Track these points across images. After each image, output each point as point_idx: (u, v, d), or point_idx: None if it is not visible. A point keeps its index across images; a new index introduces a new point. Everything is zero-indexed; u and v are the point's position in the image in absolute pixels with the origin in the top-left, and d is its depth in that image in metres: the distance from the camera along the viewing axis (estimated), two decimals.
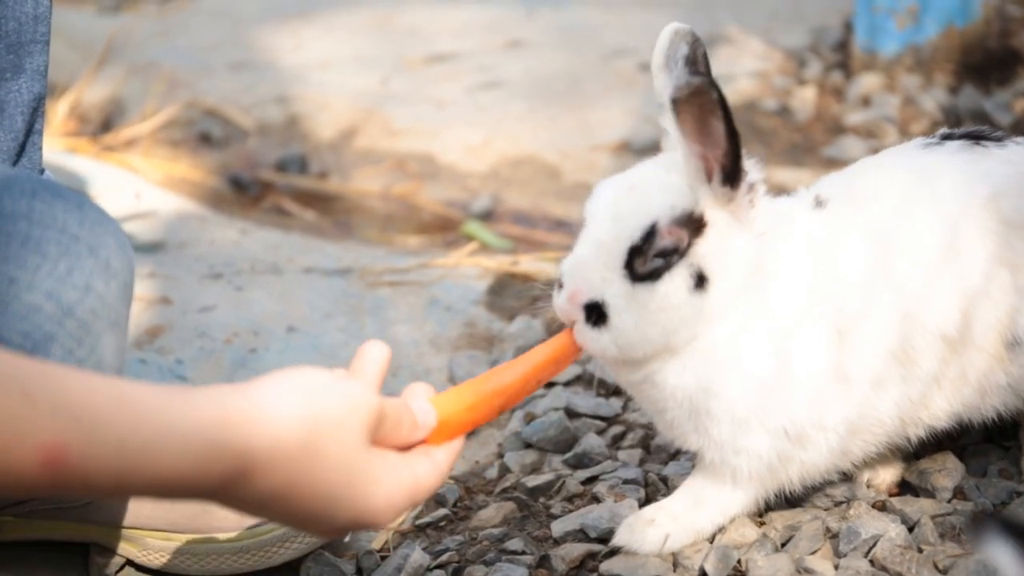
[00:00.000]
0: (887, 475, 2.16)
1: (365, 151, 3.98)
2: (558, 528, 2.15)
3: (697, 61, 1.89)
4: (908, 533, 2.03)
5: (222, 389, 1.40)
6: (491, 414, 1.74)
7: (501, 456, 2.43)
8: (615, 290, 1.84)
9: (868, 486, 2.14)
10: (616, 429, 2.44)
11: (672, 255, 1.83)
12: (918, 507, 2.09)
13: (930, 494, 2.13)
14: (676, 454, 2.34)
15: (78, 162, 3.74)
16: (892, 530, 2.02)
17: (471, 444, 2.47)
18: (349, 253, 3.25)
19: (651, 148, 3.66)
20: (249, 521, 2.13)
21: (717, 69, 4.11)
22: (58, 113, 4.23)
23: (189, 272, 3.12)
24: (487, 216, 3.67)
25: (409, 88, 4.22)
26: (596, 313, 1.85)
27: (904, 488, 2.17)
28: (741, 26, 4.33)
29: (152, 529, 2.14)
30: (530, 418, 2.47)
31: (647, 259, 1.83)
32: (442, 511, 2.26)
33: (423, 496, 1.58)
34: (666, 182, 1.86)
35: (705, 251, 1.85)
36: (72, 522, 2.15)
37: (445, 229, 3.65)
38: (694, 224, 1.84)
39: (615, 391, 2.57)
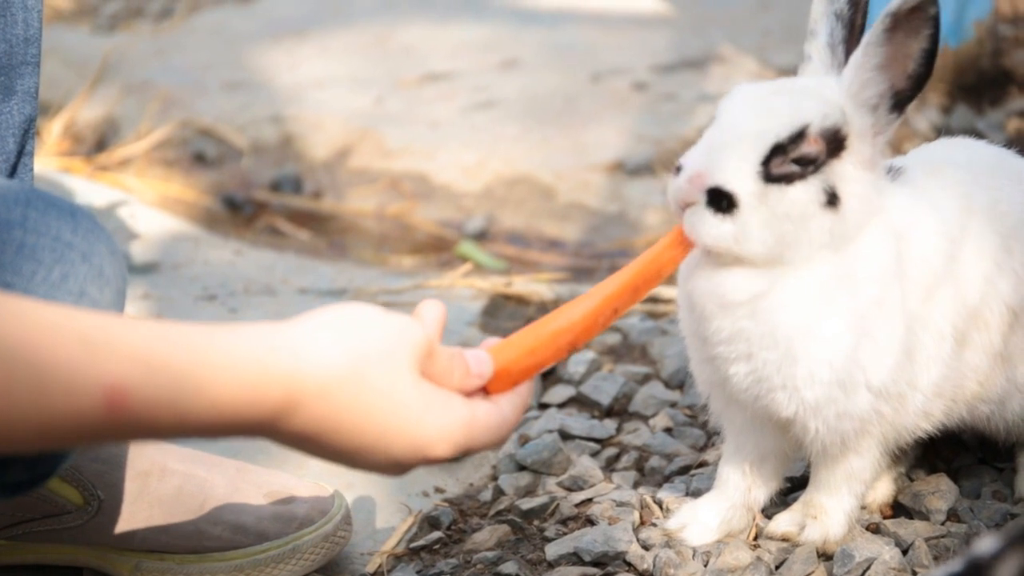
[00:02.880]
0: (880, 495, 2.17)
1: (359, 171, 3.98)
2: (552, 551, 2.14)
3: (859, 3, 1.90)
4: (902, 556, 2.03)
5: (266, 324, 1.42)
6: (559, 354, 1.64)
7: (495, 478, 2.42)
8: (748, 183, 1.80)
9: (862, 507, 2.14)
10: (610, 451, 2.44)
11: (809, 165, 1.81)
12: (912, 529, 2.09)
13: (924, 516, 2.13)
14: (670, 476, 2.34)
15: (72, 182, 3.74)
16: (886, 553, 2.02)
17: (465, 466, 2.47)
18: (343, 274, 3.25)
19: (645, 167, 3.66)
20: (242, 540, 2.12)
21: (711, 88, 4.13)
22: (52, 132, 4.23)
23: (183, 293, 3.12)
24: (481, 236, 3.67)
25: (404, 108, 4.22)
26: (725, 201, 1.79)
27: (898, 510, 2.18)
28: (735, 46, 4.33)
29: (146, 551, 2.14)
30: (524, 440, 2.47)
31: (786, 160, 1.81)
32: (436, 534, 2.26)
33: (483, 438, 1.52)
34: (820, 93, 1.85)
35: (840, 173, 1.84)
36: (65, 545, 2.15)
37: (439, 249, 3.65)
38: (837, 142, 1.83)
39: (608, 412, 2.57)
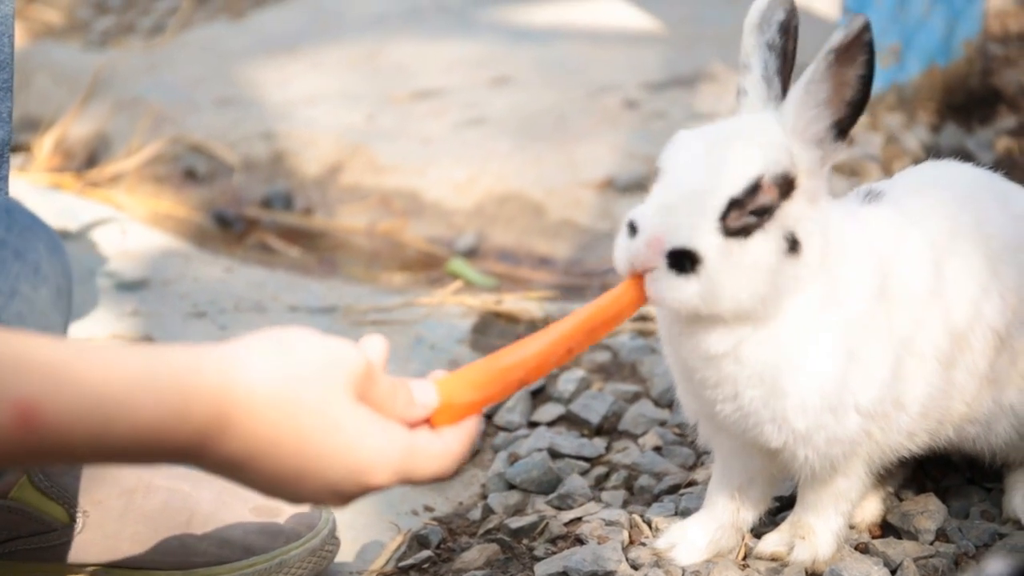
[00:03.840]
0: (868, 514, 2.17)
1: (350, 187, 3.98)
2: (541, 570, 2.14)
3: (790, 30, 1.90)
4: (891, 575, 2.03)
5: (194, 345, 1.37)
6: (507, 390, 1.59)
7: (484, 497, 2.42)
8: (709, 240, 1.77)
9: (850, 527, 2.14)
10: (600, 470, 2.43)
11: (764, 214, 1.80)
12: (900, 549, 2.09)
13: (912, 536, 2.13)
14: (660, 495, 2.34)
15: (62, 198, 3.74)
16: (875, 572, 2.02)
17: (454, 485, 2.46)
18: (334, 291, 3.25)
19: (636, 185, 3.67)
20: (229, 555, 2.12)
21: (702, 107, 4.13)
22: (43, 148, 4.23)
23: (173, 310, 3.12)
24: (472, 253, 3.68)
25: (395, 124, 4.22)
26: (687, 261, 1.77)
27: (886, 530, 2.18)
28: (725, 64, 4.34)
29: (132, 567, 2.13)
30: (513, 459, 2.46)
31: (743, 213, 1.79)
32: (425, 553, 2.26)
33: (424, 467, 1.47)
34: (765, 138, 1.83)
35: (794, 216, 1.83)
36: (50, 563, 2.14)
37: (430, 266, 3.65)
38: (787, 184, 1.82)
39: (598, 431, 2.56)
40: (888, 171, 3.58)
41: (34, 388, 1.24)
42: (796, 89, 1.83)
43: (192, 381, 1.32)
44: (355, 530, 2.33)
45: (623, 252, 1.80)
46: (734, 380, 1.90)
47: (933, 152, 3.67)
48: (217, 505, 2.15)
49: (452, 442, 1.51)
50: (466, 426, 1.54)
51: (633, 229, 1.79)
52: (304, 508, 2.18)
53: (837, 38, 1.77)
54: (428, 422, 1.52)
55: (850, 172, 3.67)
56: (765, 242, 1.81)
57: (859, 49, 1.78)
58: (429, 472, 1.49)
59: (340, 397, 1.40)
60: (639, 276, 1.79)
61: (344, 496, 1.44)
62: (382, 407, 1.46)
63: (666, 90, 4.22)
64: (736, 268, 1.79)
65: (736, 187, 1.79)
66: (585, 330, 1.70)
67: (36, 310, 1.87)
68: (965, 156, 3.52)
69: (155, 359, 1.32)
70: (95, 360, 1.29)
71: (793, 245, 1.83)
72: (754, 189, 1.80)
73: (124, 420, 1.28)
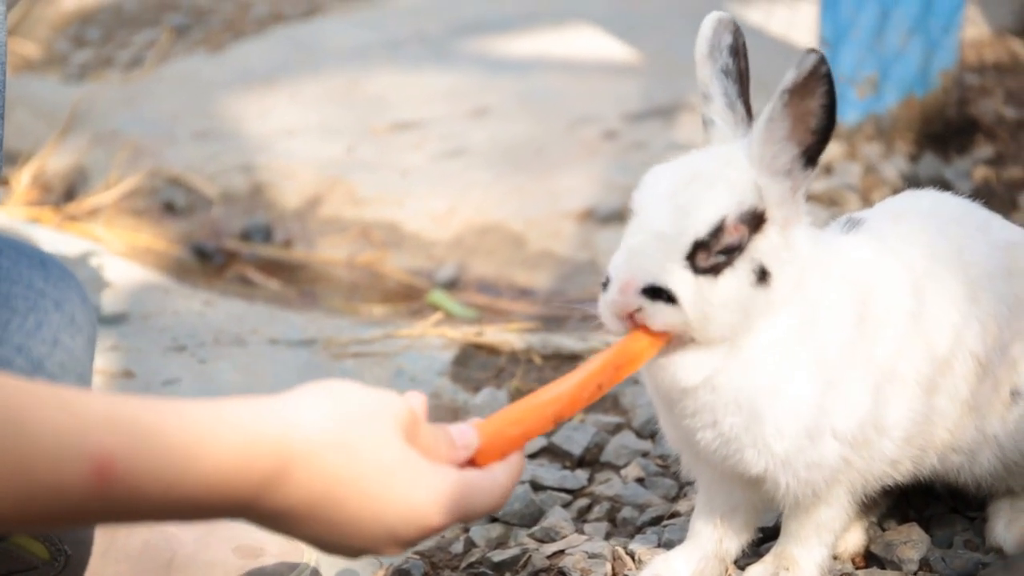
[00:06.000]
0: (851, 544, 2.16)
1: (330, 219, 3.98)
2: None
3: (739, 51, 1.91)
4: None
5: (250, 397, 1.40)
6: (544, 424, 1.67)
7: (467, 530, 2.41)
8: (677, 277, 1.79)
9: (834, 557, 2.14)
10: (582, 502, 2.43)
11: (734, 251, 1.81)
12: None
13: (896, 566, 2.13)
14: (643, 527, 2.33)
15: (41, 231, 3.73)
16: None
17: None
18: (314, 324, 3.24)
19: (616, 216, 3.67)
20: None
21: (680, 137, 4.14)
22: (21, 182, 4.21)
23: (152, 344, 3.10)
24: (452, 285, 3.67)
25: (374, 156, 4.23)
26: (664, 295, 1.78)
27: (870, 560, 2.17)
28: None
29: None
30: None
31: (711, 254, 1.80)
32: None
33: (479, 502, 1.51)
34: (730, 176, 1.84)
35: (765, 248, 1.84)
36: None
37: (410, 298, 3.64)
38: (756, 220, 1.83)
39: (580, 463, 2.56)
40: (867, 201, 3.59)
41: (111, 441, 1.26)
42: (758, 125, 1.84)
43: (254, 431, 1.35)
44: (337, 566, 2.31)
45: (605, 307, 1.82)
46: (712, 409, 1.90)
47: (911, 182, 3.69)
48: (199, 546, 2.14)
49: (500, 476, 1.56)
50: (511, 460, 1.59)
51: (606, 283, 1.81)
52: (294, 547, 2.16)
53: (790, 78, 1.78)
54: (472, 463, 1.57)
55: (829, 202, 3.69)
56: (735, 278, 1.82)
57: (816, 82, 1.78)
58: (483, 508, 1.52)
59: (392, 441, 1.43)
60: (637, 324, 1.80)
61: (402, 541, 1.46)
62: (428, 451, 1.49)
63: (645, 121, 4.23)
64: (707, 305, 1.80)
65: (700, 230, 1.80)
66: (612, 367, 1.76)
67: (74, 358, 1.90)
68: (943, 185, 3.53)
69: (218, 411, 1.35)
70: (167, 412, 1.31)
71: (762, 275, 1.84)
72: (718, 231, 1.80)
73: (194, 473, 1.30)
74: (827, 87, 1.79)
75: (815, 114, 1.80)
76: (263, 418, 1.36)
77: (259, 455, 1.34)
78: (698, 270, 1.80)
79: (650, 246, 1.80)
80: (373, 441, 1.41)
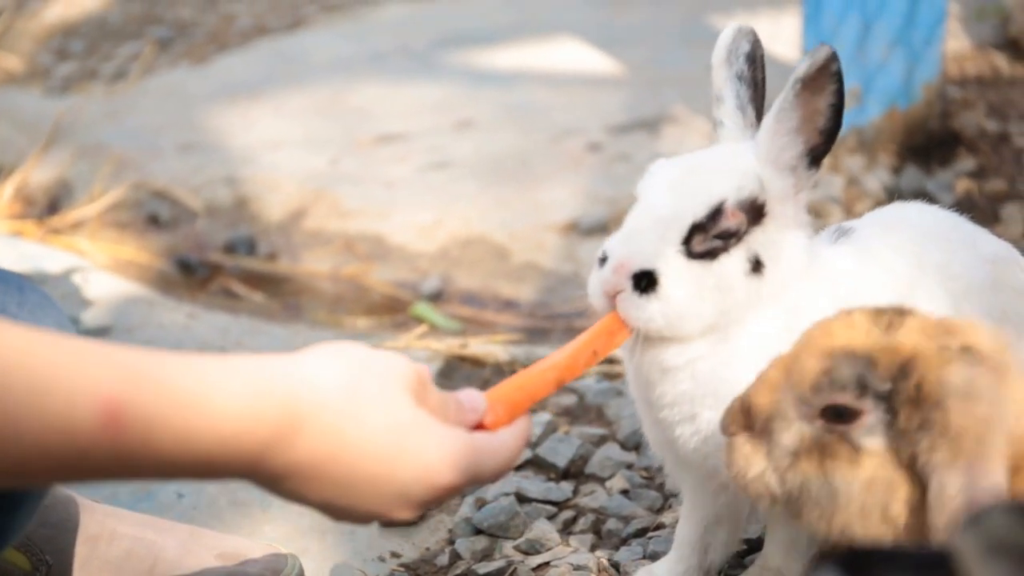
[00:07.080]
0: None
1: (314, 232, 3.98)
2: None
3: (756, 59, 1.95)
4: None
5: (257, 355, 1.40)
6: (547, 388, 1.71)
7: (452, 542, 2.41)
8: (669, 262, 1.83)
9: None
10: (567, 514, 2.43)
11: (731, 238, 1.84)
12: None
13: None
14: (628, 539, 2.33)
15: (24, 245, 3.72)
16: None
17: (421, 530, 2.45)
18: (298, 336, 3.24)
19: (600, 228, 3.68)
20: None
21: (664, 148, 4.15)
22: (4, 195, 4.20)
23: None
24: (437, 297, 3.67)
25: (359, 168, 4.23)
26: (645, 281, 1.83)
27: None
28: (688, 106, 4.37)
29: None
30: (480, 503, 2.45)
31: (707, 237, 1.84)
32: None
33: (489, 464, 1.51)
34: (734, 165, 1.88)
35: (762, 239, 1.87)
36: None
37: (394, 310, 3.64)
38: (756, 211, 1.86)
39: (565, 475, 2.56)
40: (850, 213, 3.61)
41: (120, 387, 1.26)
42: (768, 118, 1.87)
43: (264, 385, 1.34)
44: (323, 575, 2.31)
45: (596, 282, 1.86)
46: (691, 399, 1.92)
47: (894, 194, 3.70)
48: (182, 552, 2.13)
49: (509, 439, 1.56)
50: (519, 423, 1.60)
51: (604, 260, 1.86)
52: (278, 553, 2.15)
53: (803, 67, 1.81)
54: (480, 428, 1.58)
55: (812, 213, 3.70)
56: (729, 263, 1.85)
57: (827, 79, 1.82)
58: (493, 468, 1.52)
59: (403, 401, 1.43)
60: (613, 306, 1.85)
61: (413, 502, 1.44)
62: (437, 413, 1.49)
63: (629, 133, 4.24)
64: (699, 289, 1.84)
65: (698, 212, 1.84)
66: (606, 333, 1.84)
67: None
68: (925, 198, 3.54)
69: (228, 365, 1.35)
70: (176, 363, 1.31)
71: (756, 265, 1.87)
72: (716, 214, 1.84)
73: (203, 422, 1.30)
74: (837, 85, 1.83)
75: (823, 113, 1.84)
76: (273, 374, 1.36)
77: (268, 407, 1.33)
78: (693, 255, 1.84)
79: (648, 229, 1.85)
80: (384, 400, 1.41)
